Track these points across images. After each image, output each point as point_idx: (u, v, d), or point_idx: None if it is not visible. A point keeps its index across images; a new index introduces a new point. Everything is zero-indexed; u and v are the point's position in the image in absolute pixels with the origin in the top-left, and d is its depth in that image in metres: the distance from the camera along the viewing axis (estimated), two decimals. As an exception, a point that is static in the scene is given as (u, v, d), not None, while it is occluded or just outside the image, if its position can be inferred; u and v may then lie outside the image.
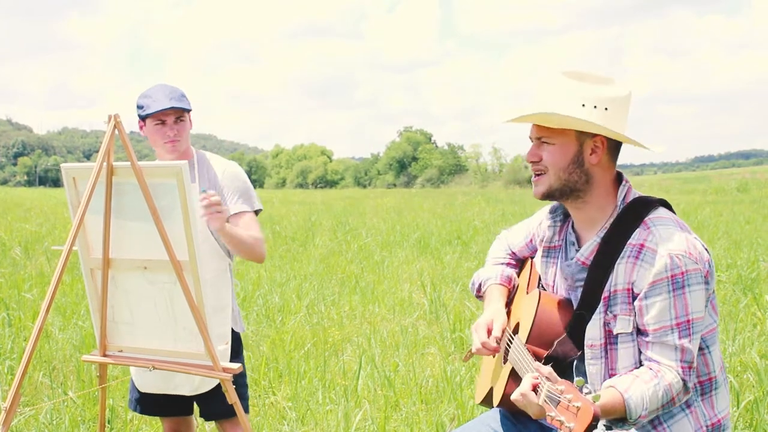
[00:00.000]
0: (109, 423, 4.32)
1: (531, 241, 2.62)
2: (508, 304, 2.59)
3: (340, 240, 14.29)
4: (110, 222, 2.69)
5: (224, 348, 3.13)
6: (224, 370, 2.70)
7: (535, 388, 1.95)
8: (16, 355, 5.57)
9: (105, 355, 2.90)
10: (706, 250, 2.16)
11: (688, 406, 2.17)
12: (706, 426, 2.18)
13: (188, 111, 3.17)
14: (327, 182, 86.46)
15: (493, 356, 2.58)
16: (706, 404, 2.20)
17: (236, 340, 3.27)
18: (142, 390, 3.26)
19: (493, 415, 2.51)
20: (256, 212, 3.27)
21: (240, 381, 3.26)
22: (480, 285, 2.68)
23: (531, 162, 2.27)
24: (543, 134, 2.22)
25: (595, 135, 2.19)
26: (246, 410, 3.31)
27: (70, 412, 4.50)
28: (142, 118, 3.14)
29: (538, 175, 2.25)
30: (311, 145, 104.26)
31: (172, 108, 3.07)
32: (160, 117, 3.10)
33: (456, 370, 5.27)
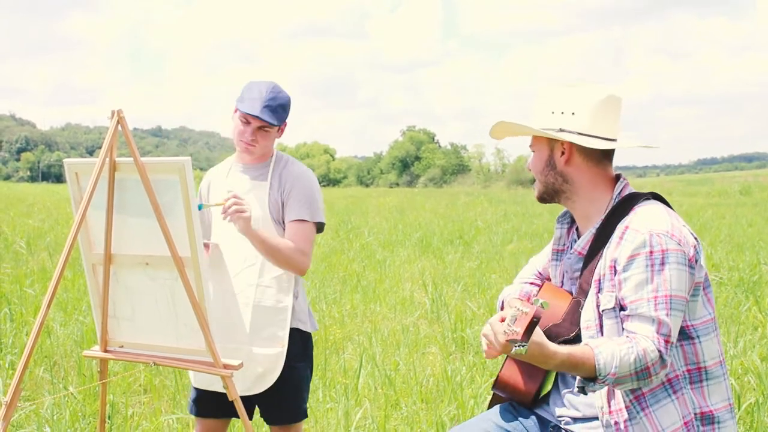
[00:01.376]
0: (109, 418, 4.32)
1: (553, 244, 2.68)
2: None
3: (342, 238, 14.30)
4: (112, 218, 2.69)
5: (280, 351, 3.04)
6: (225, 366, 2.69)
7: (503, 321, 2.04)
8: (17, 350, 5.58)
9: (106, 351, 2.90)
10: (695, 238, 2.22)
11: (675, 392, 2.19)
12: (695, 414, 2.21)
13: (274, 126, 3.08)
14: (330, 181, 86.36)
15: None
16: (696, 393, 2.23)
17: (307, 339, 3.21)
18: (196, 385, 3.19)
19: (495, 411, 2.53)
20: (319, 226, 3.16)
21: (305, 386, 3.20)
22: (503, 301, 2.73)
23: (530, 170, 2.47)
24: (531, 144, 2.43)
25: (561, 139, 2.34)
26: (305, 415, 3.23)
27: (71, 407, 4.51)
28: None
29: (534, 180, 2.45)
30: (314, 144, 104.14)
31: (256, 117, 3.02)
32: (246, 116, 3.05)
33: (457, 369, 5.27)
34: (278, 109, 3.07)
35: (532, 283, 2.73)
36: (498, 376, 2.49)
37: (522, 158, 59.61)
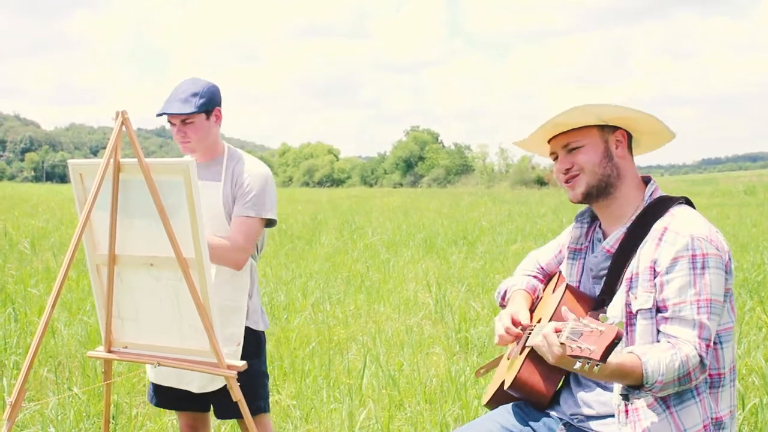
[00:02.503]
0: (113, 419, 4.33)
1: (560, 252, 2.68)
2: (531, 311, 2.62)
3: (346, 239, 14.30)
4: (117, 218, 2.70)
5: (235, 349, 3.12)
6: (229, 367, 2.70)
7: (557, 333, 2.00)
8: (21, 350, 5.59)
9: (110, 351, 2.91)
10: (727, 245, 2.24)
11: (698, 394, 2.20)
12: (711, 418, 2.22)
13: (194, 113, 3.05)
14: (333, 181, 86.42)
15: (508, 357, 2.61)
16: (712, 398, 2.23)
17: (257, 338, 3.26)
18: (155, 381, 3.26)
19: (500, 412, 2.52)
20: (269, 222, 3.17)
21: (260, 380, 3.26)
22: (505, 292, 2.73)
23: (565, 171, 2.37)
24: (570, 140, 2.36)
25: (615, 129, 2.36)
26: (266, 409, 3.30)
27: (75, 407, 4.51)
28: None
29: (572, 179, 2.37)
30: (318, 144, 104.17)
31: (166, 113, 3.05)
32: (169, 119, 3.09)
33: (460, 370, 5.27)
34: (190, 98, 3.05)
35: (534, 276, 2.72)
36: (516, 377, 2.46)
37: (525, 158, 59.50)
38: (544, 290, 2.71)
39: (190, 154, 3.15)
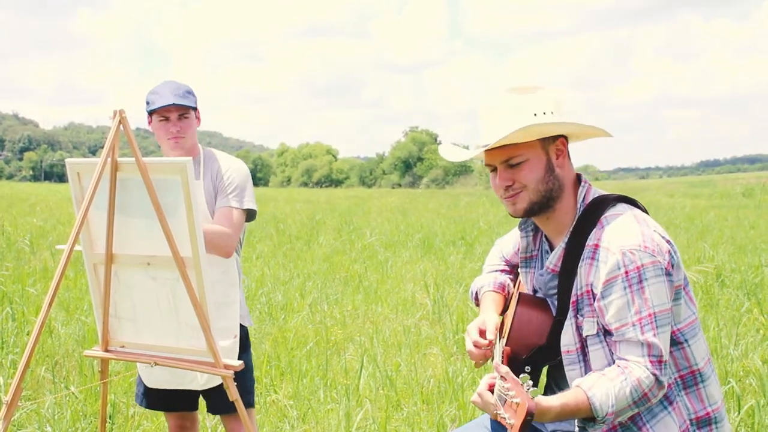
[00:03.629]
0: (110, 418, 4.33)
1: (518, 249, 2.61)
2: (504, 310, 2.59)
3: (344, 239, 14.29)
4: (114, 217, 2.70)
5: (233, 342, 3.15)
6: (226, 366, 2.70)
7: (491, 389, 1.98)
8: (18, 349, 5.58)
9: (107, 351, 2.90)
10: (669, 241, 2.13)
11: (670, 403, 2.14)
12: (690, 420, 2.15)
13: (192, 108, 3.19)
14: (332, 181, 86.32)
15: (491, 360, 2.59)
16: (691, 398, 2.17)
17: (244, 334, 3.31)
18: (150, 386, 3.29)
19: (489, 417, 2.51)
20: (249, 213, 3.25)
21: (247, 375, 3.30)
22: (476, 293, 2.69)
23: (505, 187, 2.25)
24: (511, 154, 2.21)
25: (556, 138, 2.23)
26: (252, 404, 3.35)
27: (72, 406, 4.51)
28: (149, 114, 3.19)
29: (514, 194, 2.24)
30: (316, 144, 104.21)
31: (174, 105, 3.11)
32: (163, 113, 3.14)
33: (458, 370, 5.27)
34: (186, 93, 3.19)
35: (502, 271, 2.69)
36: None
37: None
38: (514, 283, 2.67)
39: (180, 149, 3.19)
